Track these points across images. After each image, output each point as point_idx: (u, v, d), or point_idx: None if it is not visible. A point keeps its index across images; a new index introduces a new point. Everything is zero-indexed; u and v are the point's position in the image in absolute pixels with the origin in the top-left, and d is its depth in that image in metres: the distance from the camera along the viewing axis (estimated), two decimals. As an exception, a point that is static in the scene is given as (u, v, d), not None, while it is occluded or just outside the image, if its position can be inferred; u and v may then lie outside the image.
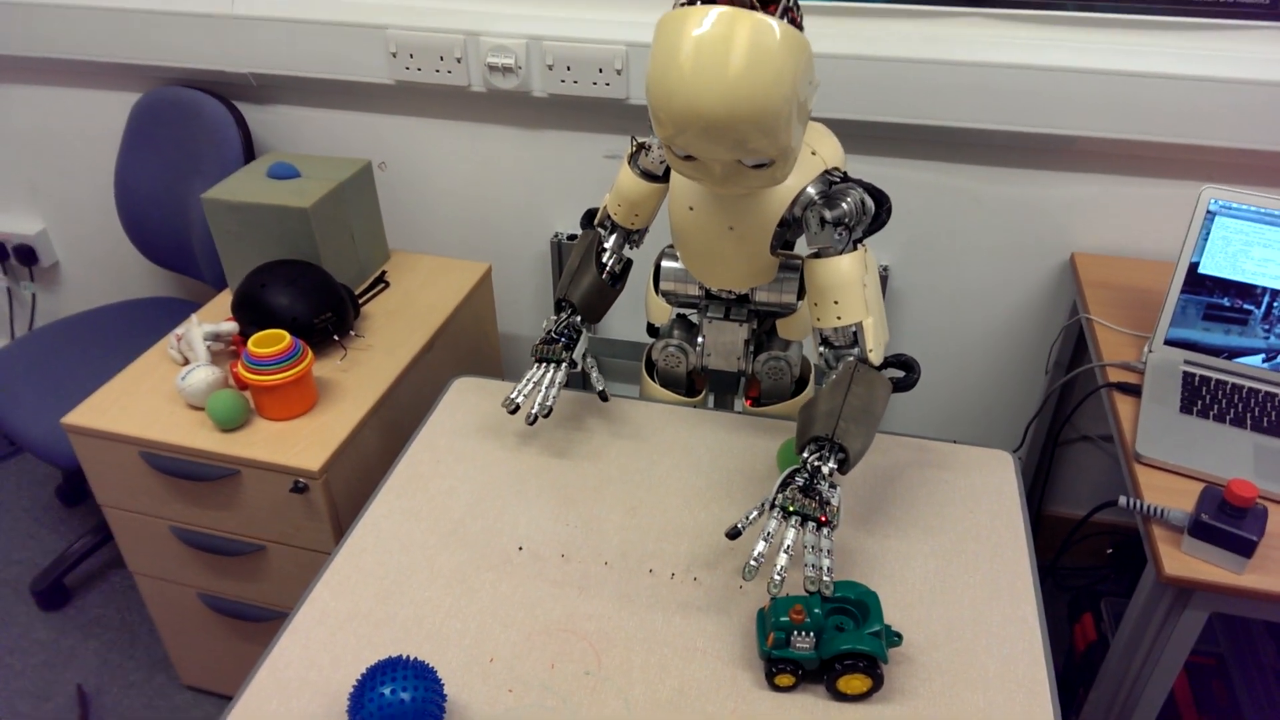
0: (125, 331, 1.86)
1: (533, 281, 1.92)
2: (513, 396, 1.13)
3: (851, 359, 1.01)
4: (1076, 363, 1.65)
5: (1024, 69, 1.42)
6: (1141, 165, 1.51)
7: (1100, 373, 1.33)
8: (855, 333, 1.01)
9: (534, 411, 1.12)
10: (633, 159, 1.13)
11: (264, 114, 1.85)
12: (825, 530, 0.91)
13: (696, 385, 1.31)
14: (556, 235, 1.82)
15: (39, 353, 1.79)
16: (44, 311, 2.31)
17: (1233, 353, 1.28)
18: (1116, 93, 1.41)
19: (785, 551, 0.89)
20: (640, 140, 1.13)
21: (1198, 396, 1.23)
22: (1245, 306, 1.26)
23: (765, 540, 0.91)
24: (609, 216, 1.19)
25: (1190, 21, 1.38)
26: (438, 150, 1.80)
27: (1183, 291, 1.29)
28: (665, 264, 1.19)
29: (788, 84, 0.83)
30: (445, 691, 0.84)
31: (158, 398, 1.39)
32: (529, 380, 1.15)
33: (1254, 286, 1.25)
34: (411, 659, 0.82)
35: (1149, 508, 1.05)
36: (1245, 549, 0.98)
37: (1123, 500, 1.08)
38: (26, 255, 2.15)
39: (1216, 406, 1.21)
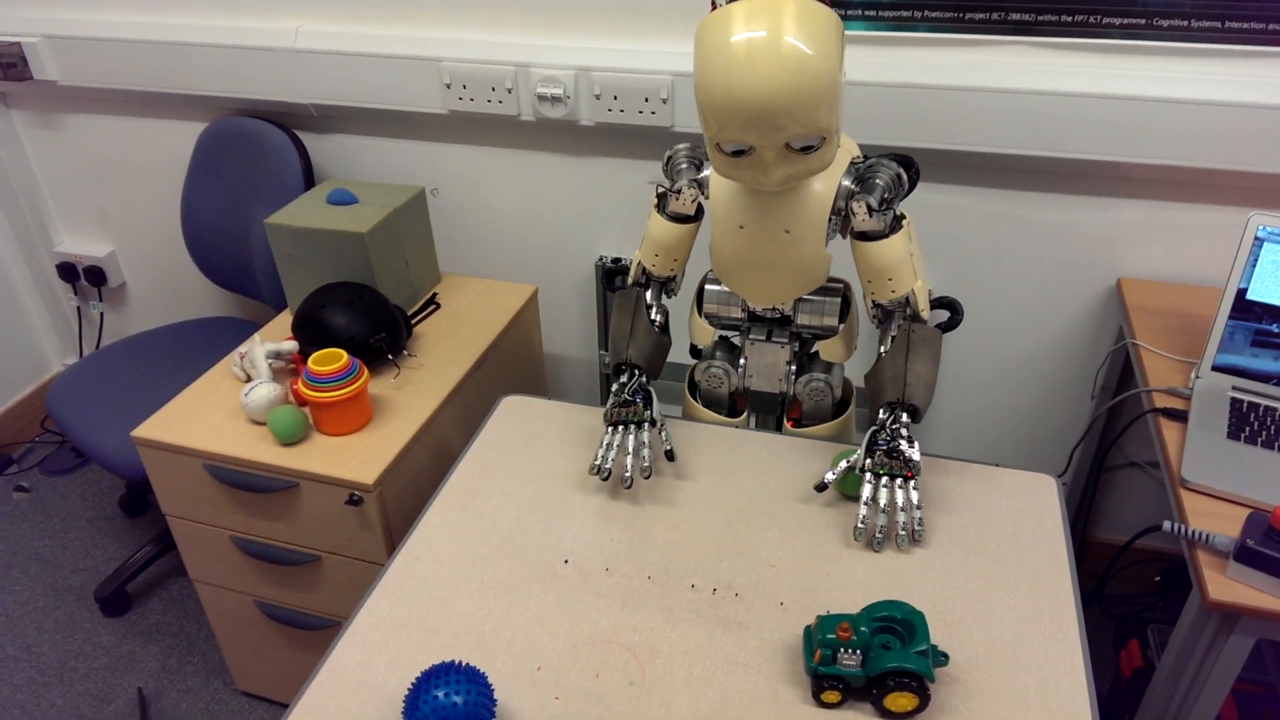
0: (188, 350, 1.94)
1: (577, 303, 1.96)
2: (597, 463, 1.13)
3: (904, 322, 1.13)
4: (1123, 388, 1.64)
5: (1068, 96, 1.43)
6: (1187, 191, 1.51)
7: (1146, 398, 1.33)
8: (906, 297, 1.11)
9: (628, 477, 1.13)
10: (660, 207, 1.17)
11: (324, 142, 1.92)
12: (913, 483, 1.07)
13: (739, 406, 1.33)
14: (601, 258, 1.86)
15: (107, 369, 1.87)
16: (111, 330, 2.41)
17: (1281, 378, 1.27)
18: (1161, 119, 1.41)
19: (884, 510, 1.06)
20: (662, 188, 1.16)
21: (1245, 423, 1.22)
22: (1294, 332, 1.26)
23: (866, 504, 1.06)
24: (644, 271, 1.22)
25: (1234, 49, 1.38)
26: (488, 176, 1.85)
27: (1230, 317, 1.28)
28: (709, 287, 1.23)
29: (835, 58, 0.89)
30: (495, 696, 0.87)
31: (221, 413, 1.45)
32: (610, 445, 1.15)
33: (1303, 312, 1.25)
34: (463, 664, 0.86)
35: (1194, 533, 1.05)
36: (1293, 575, 0.97)
37: (1167, 525, 1.08)
38: (96, 276, 2.25)
39: (1265, 433, 1.21)
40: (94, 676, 1.82)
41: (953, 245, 1.65)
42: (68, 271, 2.27)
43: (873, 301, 1.13)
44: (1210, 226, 1.53)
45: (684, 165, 1.13)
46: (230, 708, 1.74)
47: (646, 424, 1.17)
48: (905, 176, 1.06)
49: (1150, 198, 1.52)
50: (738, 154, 0.96)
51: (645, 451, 1.15)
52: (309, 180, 1.85)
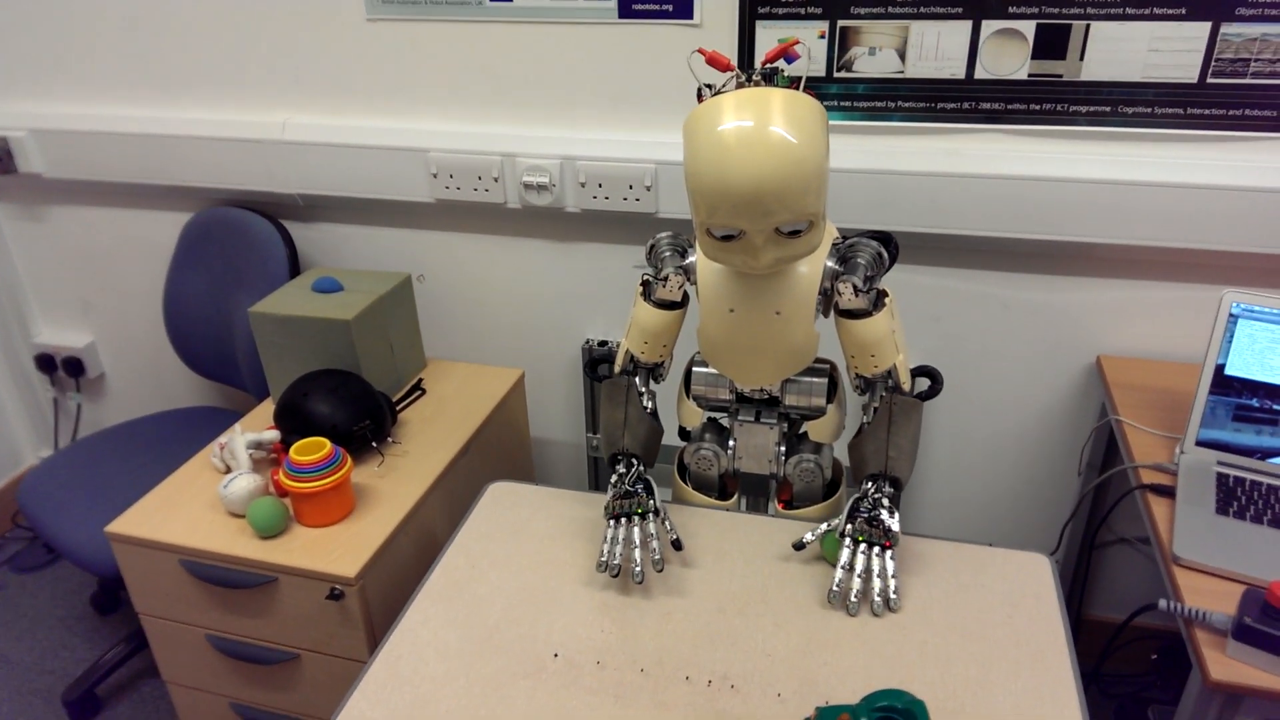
0: (168, 440, 1.91)
1: (564, 386, 1.95)
2: (604, 560, 1.12)
3: (886, 393, 1.14)
4: (1109, 464, 1.64)
5: (1040, 180, 1.47)
6: (1162, 270, 1.54)
7: (1133, 474, 1.33)
8: (889, 371, 1.12)
9: (639, 572, 1.10)
10: (646, 295, 1.18)
11: (310, 231, 1.94)
12: (889, 553, 1.09)
13: (729, 488, 1.32)
14: (588, 341, 1.87)
15: (82, 463, 1.84)
16: (88, 421, 2.37)
17: (1265, 453, 1.28)
18: (1130, 201, 1.45)
19: (858, 575, 1.08)
20: (648, 276, 1.17)
21: (1233, 497, 1.23)
22: (1275, 407, 1.27)
23: (843, 568, 1.08)
24: (632, 360, 1.22)
25: (1202, 134, 1.43)
26: (475, 263, 1.87)
27: (1211, 393, 1.30)
28: (696, 369, 1.23)
29: (821, 145, 0.91)
30: (484, 802, 0.84)
31: (199, 505, 1.42)
32: (615, 539, 1.14)
33: (1282, 386, 1.26)
34: (451, 768, 0.82)
35: (1190, 611, 1.04)
36: (1294, 653, 0.96)
37: (1163, 604, 1.07)
38: (74, 367, 2.23)
39: (1253, 507, 1.21)
40: (57, 786, 1.73)
41: (934, 326, 1.68)
42: (45, 363, 2.24)
43: (856, 374, 1.14)
44: (1185, 303, 1.56)
45: (668, 253, 1.15)
46: (201, 817, 1.66)
47: (651, 514, 1.16)
48: (885, 253, 1.08)
49: (1125, 276, 1.56)
50: (727, 238, 0.97)
51: (654, 544, 1.13)
52: (294, 269, 1.86)
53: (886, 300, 1.11)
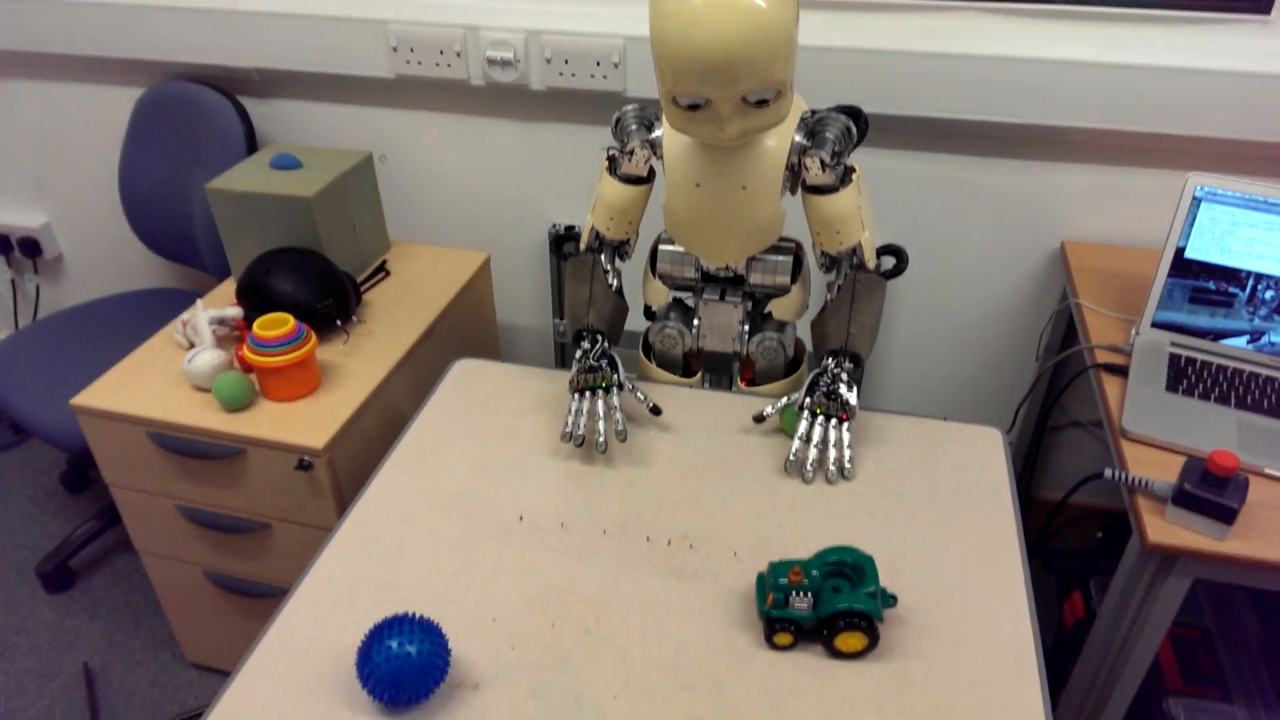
0: (129, 321, 1.89)
1: (531, 271, 1.94)
2: (568, 430, 1.13)
3: (849, 271, 1.15)
4: (1067, 348, 1.68)
5: (1017, 61, 1.45)
6: (1130, 155, 1.54)
7: (1089, 355, 1.36)
8: (854, 248, 1.12)
9: (602, 441, 1.12)
10: (611, 170, 1.16)
11: (266, 108, 1.88)
12: (846, 425, 1.11)
13: (693, 367, 1.34)
14: (554, 226, 1.85)
15: (44, 342, 1.82)
16: (47, 304, 2.34)
17: (1218, 334, 1.31)
18: (1105, 84, 1.44)
19: (814, 445, 1.10)
20: (613, 150, 1.15)
21: (1183, 376, 1.26)
22: (1230, 290, 1.29)
23: (800, 440, 1.11)
24: (598, 236, 1.21)
25: (1177, 15, 1.41)
26: (437, 143, 1.83)
27: (1169, 275, 1.32)
28: (663, 248, 1.22)
29: (791, 11, 0.90)
30: (450, 648, 0.87)
31: (164, 380, 1.41)
32: (579, 412, 1.14)
33: (1238, 270, 1.28)
34: (417, 616, 0.85)
35: (1134, 479, 1.08)
36: (1227, 517, 1.01)
37: (1108, 473, 1.11)
38: (30, 248, 2.18)
39: (1201, 385, 1.24)
40: (37, 652, 1.78)
41: (903, 210, 1.67)
42: (0, 244, 2.19)
43: (821, 251, 1.14)
44: (1152, 190, 1.56)
45: (634, 126, 1.13)
46: (180, 680, 1.71)
47: (615, 388, 1.17)
48: (854, 128, 1.07)
49: (1093, 162, 1.56)
50: (693, 108, 0.96)
51: (618, 415, 1.15)
52: (252, 146, 1.81)
53: (854, 176, 1.10)
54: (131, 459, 1.40)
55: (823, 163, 1.05)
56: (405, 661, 0.81)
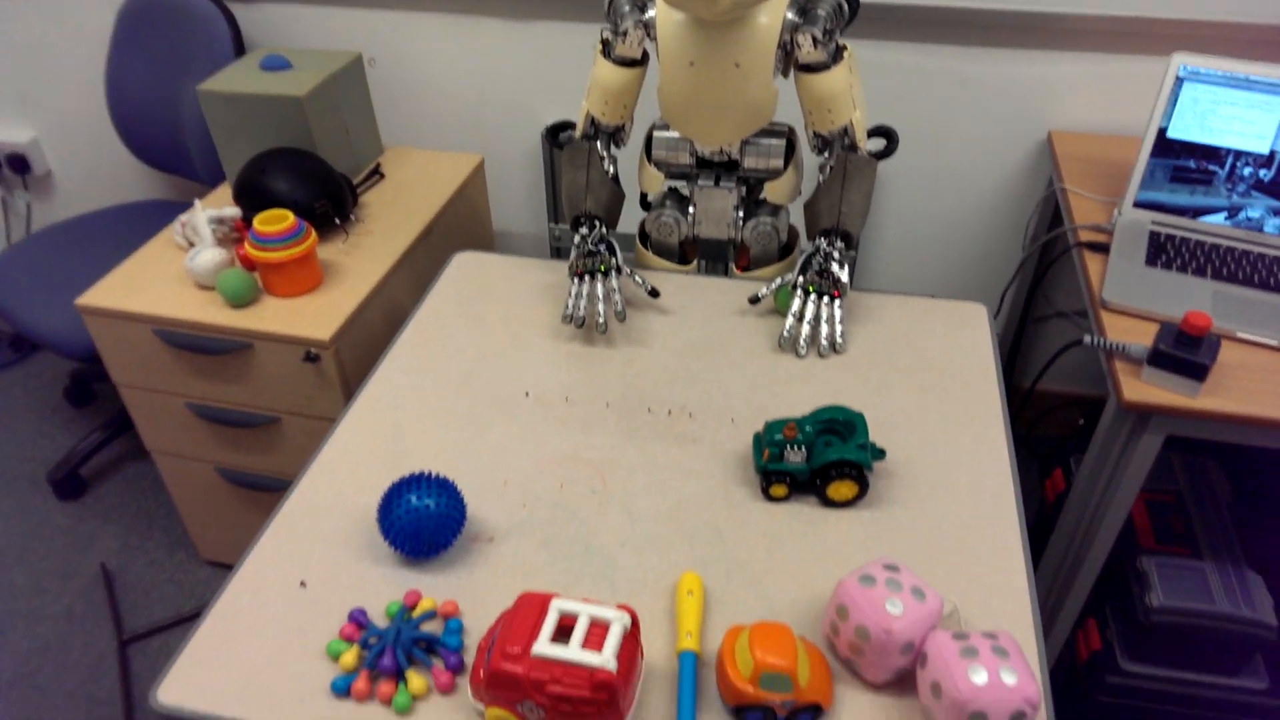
0: (124, 232, 1.90)
1: (525, 175, 1.95)
2: (569, 312, 1.16)
3: (842, 152, 1.18)
4: (1074, 239, 1.71)
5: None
6: (1117, 41, 1.55)
7: (1072, 236, 1.40)
8: (845, 127, 1.15)
9: (602, 321, 1.16)
10: (606, 53, 1.17)
11: (252, 11, 1.86)
12: (838, 302, 1.16)
13: (689, 255, 1.37)
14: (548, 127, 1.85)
15: (41, 254, 1.83)
16: (39, 221, 2.33)
17: (1197, 211, 1.35)
18: (1091, -34, 1.45)
19: (807, 322, 1.14)
20: (606, 34, 1.16)
21: (1163, 251, 1.30)
22: (1210, 168, 1.33)
23: (793, 317, 1.15)
24: (594, 124, 1.23)
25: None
26: (428, 44, 1.82)
27: (1152, 155, 1.35)
28: (658, 133, 1.24)
29: None
30: (465, 503, 0.92)
31: (167, 280, 1.43)
32: (579, 294, 1.18)
33: (1219, 148, 1.31)
34: (435, 474, 0.90)
35: (1112, 344, 1.13)
36: (1199, 374, 1.06)
37: (1087, 339, 1.15)
38: (19, 165, 2.17)
39: (1180, 259, 1.28)
40: (54, 556, 1.83)
41: (895, 102, 1.69)
42: (-12, 160, 2.18)
43: (813, 132, 1.17)
44: (1137, 77, 1.58)
45: (627, 8, 1.13)
46: (196, 577, 1.77)
47: (613, 272, 1.20)
48: (846, 6, 1.08)
49: (1081, 49, 1.57)
50: (686, -19, 0.97)
51: (616, 297, 1.18)
52: (239, 51, 1.79)
53: (845, 54, 1.12)
54: (139, 358, 1.43)
55: (814, 39, 1.07)
56: (424, 514, 0.86)
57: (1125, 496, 1.17)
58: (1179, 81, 1.31)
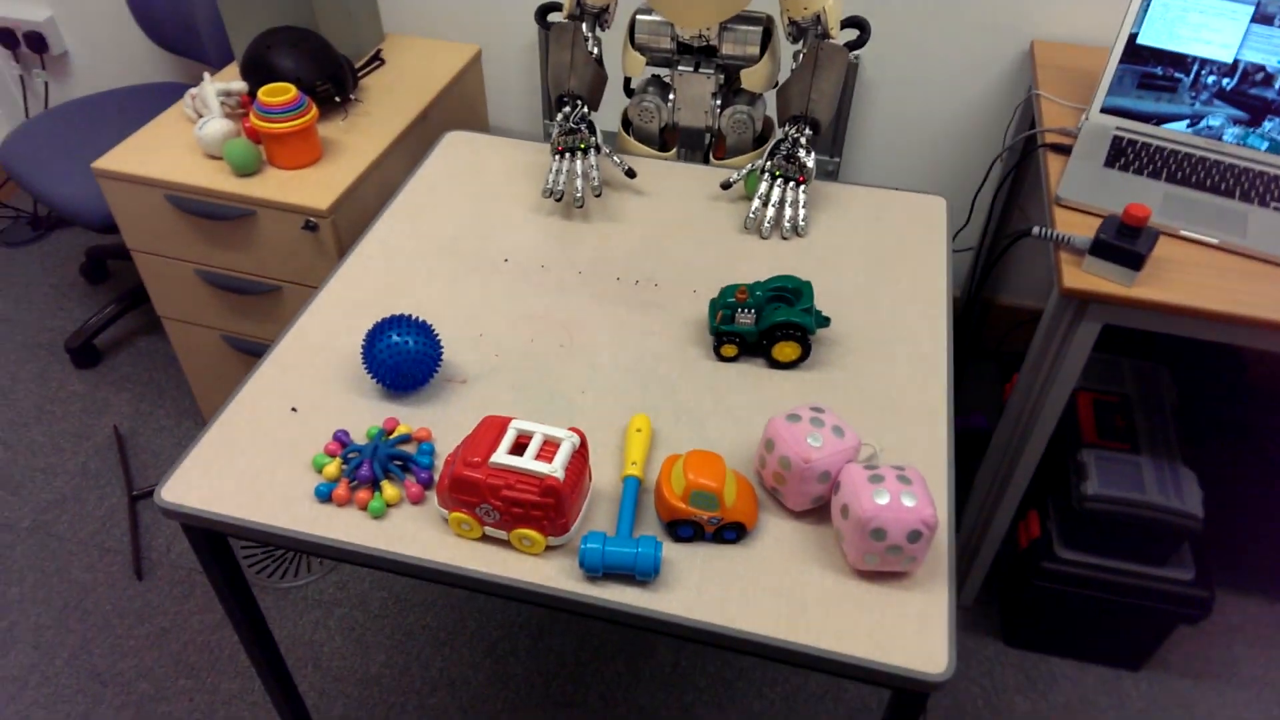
0: (137, 109, 1.96)
1: (523, 72, 2.00)
2: (549, 187, 1.22)
3: (815, 39, 1.23)
4: (1029, 142, 1.76)
5: None
6: (1103, -50, 1.58)
7: (1041, 139, 1.45)
8: (818, 15, 1.21)
9: (579, 196, 1.22)
10: None
11: (261, -106, 1.89)
12: (803, 187, 1.22)
13: (669, 143, 1.43)
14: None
15: (59, 126, 1.90)
16: (56, 100, 2.40)
17: (1162, 119, 1.39)
18: None
19: (772, 205, 1.21)
20: None
21: (1122, 154, 1.36)
22: (1176, 75, 1.37)
23: (759, 200, 1.21)
24: (579, 4, 1.28)
25: None
26: (432, -67, 1.85)
27: (1122, 62, 1.39)
28: (640, 17, 1.30)
29: None
30: (442, 351, 1.01)
31: (178, 148, 1.51)
32: (559, 171, 1.24)
33: (1185, 56, 1.36)
34: (416, 318, 0.98)
35: (1058, 235, 1.20)
36: (1135, 262, 1.13)
37: (1036, 230, 1.22)
38: (37, 43, 2.22)
39: (1138, 162, 1.34)
40: (70, 418, 1.95)
41: (880, 7, 1.72)
42: (7, 38, 2.23)
43: (789, 19, 1.22)
44: (1121, -13, 1.61)
45: (615, -114, 1.18)
46: (204, 439, 1.89)
47: (592, 150, 1.27)
48: None
49: (1068, -43, 1.60)
50: None
51: (594, 174, 1.25)
52: (249, -67, 1.83)
53: None
54: (152, 222, 1.52)
55: None
56: (404, 350, 0.95)
57: (1064, 385, 1.25)
58: (1153, -12, 1.34)
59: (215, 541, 0.97)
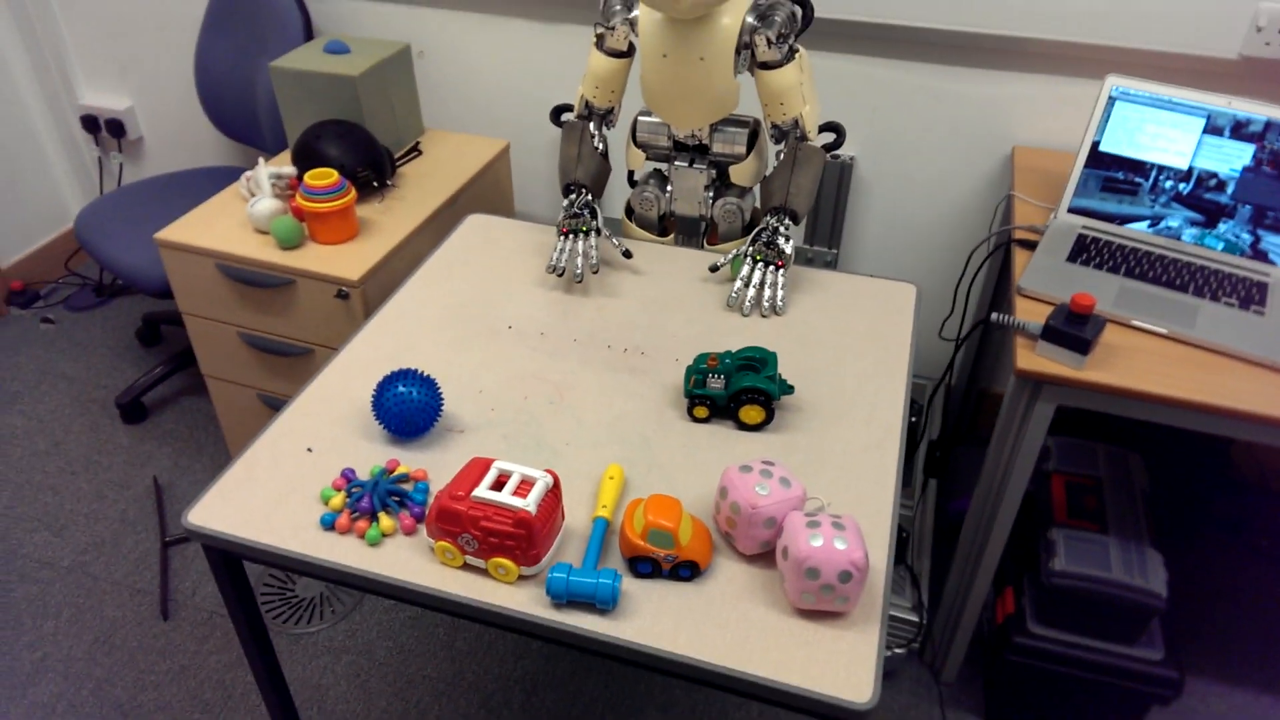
0: (200, 189, 2.17)
1: (547, 164, 2.18)
2: (553, 264, 1.37)
3: (794, 141, 1.36)
4: (1002, 238, 1.88)
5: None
6: (1069, 65, 1.72)
7: (1011, 235, 1.57)
8: (796, 119, 1.34)
9: (579, 273, 1.37)
10: (599, 45, 1.39)
11: (323, 3, 2.12)
12: (781, 271, 1.34)
13: (668, 229, 1.57)
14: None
15: (128, 203, 2.11)
16: (128, 179, 2.63)
17: (1125, 219, 1.51)
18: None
19: (753, 286, 1.33)
20: (599, 29, 1.38)
21: (1085, 250, 1.47)
22: (1136, 179, 1.49)
23: (741, 281, 1.34)
24: (587, 106, 1.44)
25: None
26: (470, 40, 2.06)
27: (1086, 166, 1.51)
28: (641, 118, 1.45)
29: None
30: (444, 404, 1.13)
31: (231, 223, 1.69)
32: (562, 250, 1.39)
33: (1144, 163, 1.48)
34: (422, 373, 1.11)
35: (1014, 321, 1.30)
36: (1082, 347, 1.23)
37: (994, 316, 1.33)
38: (116, 129, 2.47)
39: (1099, 258, 1.45)
40: (115, 469, 2.10)
41: (873, 115, 1.88)
42: (90, 123, 2.48)
43: (771, 123, 1.37)
44: (1089, 99, 1.75)
45: (618, 7, 1.35)
46: (235, 491, 2.02)
47: (593, 232, 1.41)
48: (799, 15, 1.28)
49: (1044, 72, 1.74)
50: (658, -16, 1.18)
51: (594, 253, 1.39)
52: (308, 36, 2.06)
53: (797, 56, 1.32)
54: (203, 288, 1.69)
55: (769, 40, 1.27)
56: (409, 400, 1.08)
57: (1025, 463, 1.34)
58: (1111, 100, 1.48)
59: (232, 566, 1.08)
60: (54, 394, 2.31)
